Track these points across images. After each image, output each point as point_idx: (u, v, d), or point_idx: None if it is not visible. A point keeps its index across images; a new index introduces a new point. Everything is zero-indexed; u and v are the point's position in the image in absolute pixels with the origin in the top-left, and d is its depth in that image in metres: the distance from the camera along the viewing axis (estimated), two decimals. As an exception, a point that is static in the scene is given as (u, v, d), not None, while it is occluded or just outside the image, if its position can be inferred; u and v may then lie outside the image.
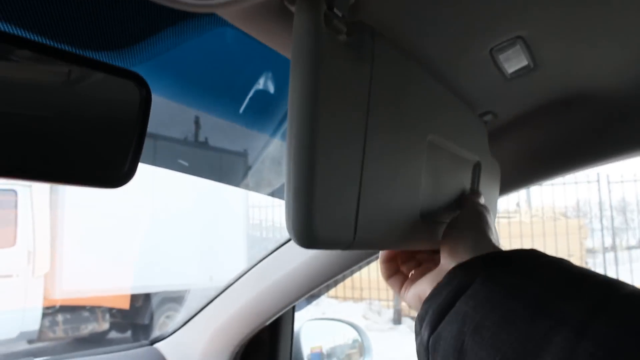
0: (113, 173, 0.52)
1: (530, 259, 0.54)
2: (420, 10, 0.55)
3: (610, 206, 8.89)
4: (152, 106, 0.54)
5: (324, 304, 9.39)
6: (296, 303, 1.27)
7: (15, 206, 5.70)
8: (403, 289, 0.69)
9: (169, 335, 1.46)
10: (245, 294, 1.28)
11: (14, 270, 5.62)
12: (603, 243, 9.00)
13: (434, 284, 0.59)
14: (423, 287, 0.62)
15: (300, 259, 1.18)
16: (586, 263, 8.96)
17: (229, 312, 1.31)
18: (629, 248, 10.41)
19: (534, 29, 0.64)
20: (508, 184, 0.98)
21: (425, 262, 0.72)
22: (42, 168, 0.47)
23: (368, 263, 1.16)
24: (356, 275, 9.23)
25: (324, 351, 1.67)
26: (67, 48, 0.53)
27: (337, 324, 1.70)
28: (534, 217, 9.06)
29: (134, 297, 6.53)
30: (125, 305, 6.48)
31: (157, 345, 1.46)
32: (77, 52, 0.54)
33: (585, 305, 0.45)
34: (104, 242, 5.90)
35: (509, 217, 9.13)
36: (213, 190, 6.31)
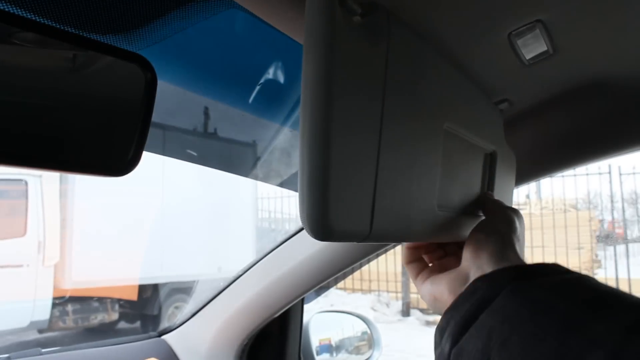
0: (117, 161, 0.50)
1: (556, 273, 0.52)
2: None
3: (622, 198, 8.82)
4: (159, 93, 0.53)
5: (332, 296, 9.40)
6: (305, 295, 1.26)
7: (26, 196, 5.72)
8: (420, 278, 0.68)
9: (176, 327, 1.45)
10: (253, 286, 1.27)
11: (25, 260, 5.66)
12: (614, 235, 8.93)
13: (452, 288, 0.59)
14: (440, 287, 0.61)
15: (309, 251, 1.16)
16: (596, 255, 8.90)
17: (237, 304, 1.30)
18: (641, 240, 10.34)
19: (554, 13, 0.62)
20: (524, 175, 0.96)
21: (451, 254, 0.71)
22: (44, 156, 0.45)
23: (377, 256, 1.14)
24: (365, 266, 9.22)
25: (333, 343, 1.66)
26: (72, 31, 0.51)
27: (347, 317, 1.68)
28: (544, 208, 9.00)
29: (143, 288, 6.56)
30: (135, 296, 6.52)
31: (165, 337, 1.46)
32: (82, 34, 0.52)
33: (619, 326, 0.43)
34: (113, 233, 5.92)
35: (518, 209, 9.08)
36: (222, 181, 6.31)
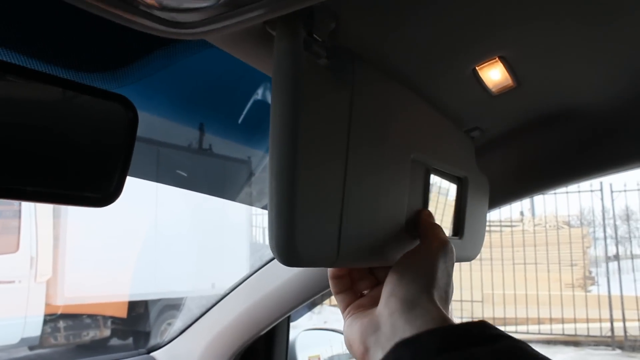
0: (100, 193, 0.54)
1: (485, 340, 0.47)
2: (400, 32, 0.57)
3: (614, 215, 8.87)
4: (147, 124, 0.56)
5: (327, 312, 9.36)
6: (291, 313, 1.28)
7: (19, 212, 5.72)
8: (346, 313, 0.62)
9: (165, 344, 1.47)
10: (240, 303, 1.29)
11: (17, 276, 5.62)
12: (606, 252, 8.96)
13: (363, 334, 0.54)
14: (353, 332, 0.56)
15: (296, 269, 1.19)
16: (589, 272, 8.92)
17: (224, 321, 1.32)
18: (633, 257, 10.36)
19: (514, 49, 0.66)
20: (497, 198, 1.00)
21: (382, 282, 0.63)
22: (29, 188, 0.49)
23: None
24: (358, 283, 9.16)
25: (322, 360, 1.68)
26: (58, 69, 0.55)
27: (333, 335, 1.70)
28: (537, 225, 9.04)
29: (135, 305, 6.52)
30: (127, 313, 6.48)
31: (153, 354, 1.47)
32: (69, 73, 0.56)
33: None
34: (106, 249, 5.90)
35: (511, 226, 9.11)
36: (215, 198, 6.31)
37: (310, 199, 0.47)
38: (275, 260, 1.25)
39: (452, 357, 0.45)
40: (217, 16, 0.43)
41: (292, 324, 1.51)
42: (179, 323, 1.47)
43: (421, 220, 0.64)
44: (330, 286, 0.66)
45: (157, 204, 6.36)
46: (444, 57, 0.64)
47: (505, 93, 0.75)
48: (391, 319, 0.51)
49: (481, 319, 0.51)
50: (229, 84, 0.75)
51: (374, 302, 0.58)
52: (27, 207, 5.71)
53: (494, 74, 0.70)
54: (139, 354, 1.48)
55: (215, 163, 1.06)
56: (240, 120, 0.88)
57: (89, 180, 0.53)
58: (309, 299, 1.22)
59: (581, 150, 0.95)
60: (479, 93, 0.74)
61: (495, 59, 0.66)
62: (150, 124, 0.79)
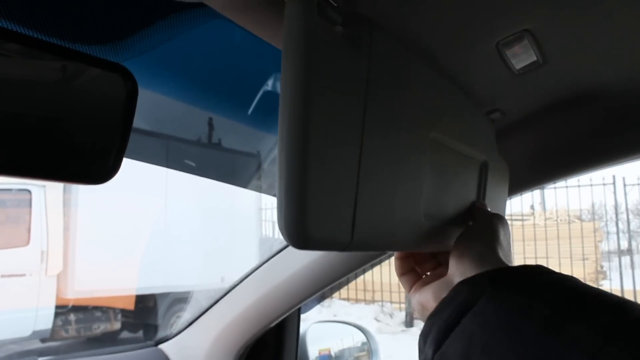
0: (97, 169, 0.50)
1: (537, 275, 0.52)
2: (420, 0, 0.53)
3: (627, 209, 8.78)
4: (150, 101, 0.53)
5: (336, 306, 9.36)
6: (302, 305, 1.25)
7: (30, 205, 5.74)
8: (412, 290, 0.68)
9: (173, 336, 1.45)
10: (249, 295, 1.26)
11: (28, 269, 5.66)
12: (619, 246, 8.88)
13: (438, 295, 0.59)
14: (427, 296, 0.62)
15: (306, 260, 1.16)
16: (601, 266, 8.85)
17: (233, 313, 1.30)
18: (646, 251, 10.28)
19: (541, 23, 0.62)
20: (518, 185, 0.96)
21: (445, 264, 0.70)
22: (24, 164, 0.46)
23: (372, 266, 1.14)
24: (368, 277, 9.20)
25: (333, 353, 1.65)
26: (57, 41, 0.52)
27: (344, 327, 1.68)
28: (549, 219, 8.97)
29: (145, 298, 6.55)
30: (136, 306, 6.51)
31: (161, 346, 1.45)
32: (67, 45, 0.53)
33: (596, 328, 0.43)
34: (116, 243, 5.92)
35: (522, 220, 9.05)
36: (225, 192, 6.32)
37: (322, 177, 0.43)
38: (285, 251, 1.23)
39: (502, 287, 0.50)
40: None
41: (302, 317, 1.48)
42: (187, 315, 1.45)
43: (476, 208, 0.73)
44: (395, 268, 0.71)
45: (166, 197, 6.37)
46: (467, 29, 0.60)
47: (529, 71, 0.71)
48: (464, 276, 0.56)
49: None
50: (238, 62, 0.71)
51: (438, 279, 0.63)
52: (37, 198, 5.74)
53: (519, 49, 0.66)
54: (147, 346, 1.46)
55: (224, 148, 1.03)
56: (250, 103, 0.84)
57: (85, 156, 0.50)
58: (319, 290, 1.19)
59: (605, 135, 0.90)
60: (502, 71, 0.70)
61: (520, 32, 0.62)
62: (157, 102, 0.76)
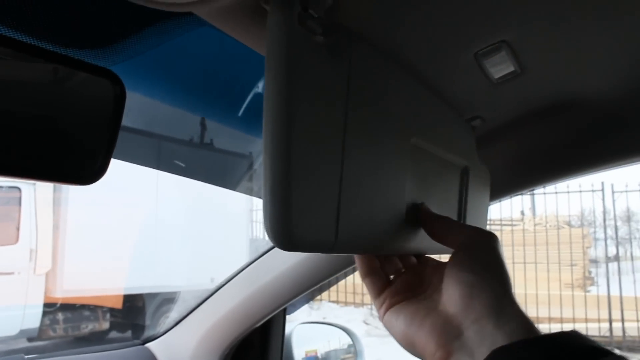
0: (85, 170, 0.52)
1: (584, 352, 0.46)
2: (399, 12, 0.55)
3: (615, 215, 8.85)
4: (139, 105, 0.55)
5: (325, 308, 9.37)
6: (287, 305, 1.27)
7: (19, 203, 5.72)
8: (381, 300, 0.62)
9: (160, 335, 1.46)
10: (236, 295, 1.28)
11: (16, 267, 5.64)
12: (607, 253, 8.95)
13: (440, 338, 0.52)
14: (421, 335, 0.54)
15: (291, 261, 1.18)
16: (589, 273, 8.91)
17: (219, 313, 1.31)
18: (633, 258, 10.35)
19: (518, 34, 0.64)
20: (499, 190, 0.98)
21: (409, 269, 0.66)
22: (12, 164, 0.47)
23: (355, 269, 1.16)
24: (358, 280, 9.20)
25: (319, 355, 1.66)
26: (47, 46, 0.53)
27: (330, 328, 1.69)
28: (538, 225, 9.03)
29: (134, 298, 6.53)
30: (125, 305, 6.49)
31: (148, 345, 1.46)
32: (58, 50, 0.54)
33: None
34: (106, 242, 5.91)
35: (512, 225, 9.10)
36: (216, 193, 6.32)
37: (305, 180, 0.45)
38: (270, 253, 1.24)
39: None
40: (207, -14, 0.41)
41: (288, 317, 1.50)
42: (174, 314, 1.46)
43: (449, 222, 0.63)
44: (359, 268, 0.65)
45: (157, 197, 6.36)
46: (446, 40, 0.63)
47: (508, 81, 0.73)
48: (477, 325, 0.50)
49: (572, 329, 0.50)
50: (226, 67, 0.73)
51: (407, 290, 0.60)
52: (27, 196, 5.72)
53: (497, 59, 0.68)
54: (134, 345, 1.47)
55: (211, 150, 1.04)
56: (239, 107, 0.86)
57: (73, 157, 0.52)
58: (304, 292, 1.21)
59: (584, 142, 0.93)
60: (481, 79, 0.72)
61: (498, 43, 0.64)
62: (146, 107, 0.77)
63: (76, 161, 0.52)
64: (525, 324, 0.50)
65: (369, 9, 0.53)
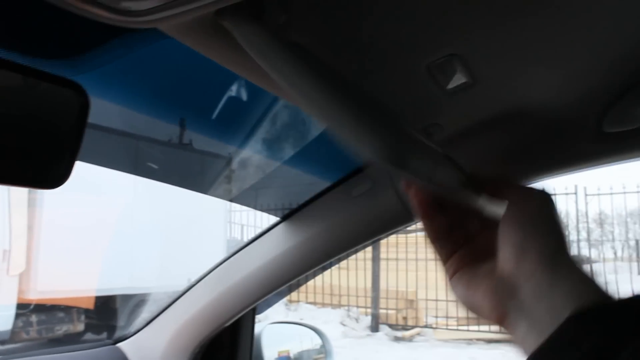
0: (49, 174, 0.55)
1: None
2: (352, 28, 0.59)
3: (587, 218, 9.02)
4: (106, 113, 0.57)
5: (302, 310, 9.40)
6: (256, 305, 1.30)
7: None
8: (448, 266, 0.58)
9: (132, 335, 1.48)
10: (206, 295, 1.30)
11: (-12, 268, 5.56)
12: (579, 255, 9.09)
13: (492, 299, 0.51)
14: (477, 296, 0.53)
15: (260, 261, 1.20)
16: (562, 274, 9.03)
17: (189, 312, 1.33)
18: (605, 260, 10.55)
19: (467, 47, 0.67)
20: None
21: (479, 236, 0.59)
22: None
23: (323, 269, 1.19)
24: (335, 281, 9.25)
25: (292, 355, 1.69)
26: (14, 56, 0.56)
27: (299, 328, 1.72)
28: (513, 227, 9.13)
29: (110, 299, 6.48)
30: (101, 307, 6.44)
31: (120, 344, 1.47)
32: (26, 60, 0.57)
33: None
34: (81, 243, 5.86)
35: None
36: (193, 194, 6.29)
37: None
38: (240, 252, 1.27)
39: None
40: (167, 4, 0.44)
41: (260, 316, 1.52)
42: (145, 314, 1.47)
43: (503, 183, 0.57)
44: (425, 230, 0.60)
45: (134, 198, 6.32)
46: (398, 53, 0.66)
47: (461, 90, 0.77)
48: (532, 282, 0.48)
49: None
50: (192, 75, 0.76)
51: (474, 255, 0.56)
52: (0, 196, 5.64)
53: (449, 71, 0.72)
54: (105, 344, 1.48)
55: (175, 154, 1.07)
56: (211, 113, 0.89)
57: (38, 163, 0.54)
58: (272, 291, 1.23)
59: (543, 148, 0.97)
60: (435, 90, 0.76)
61: (448, 56, 0.68)
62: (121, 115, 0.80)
63: (41, 166, 0.55)
64: (585, 279, 0.47)
65: (321, 25, 0.57)
